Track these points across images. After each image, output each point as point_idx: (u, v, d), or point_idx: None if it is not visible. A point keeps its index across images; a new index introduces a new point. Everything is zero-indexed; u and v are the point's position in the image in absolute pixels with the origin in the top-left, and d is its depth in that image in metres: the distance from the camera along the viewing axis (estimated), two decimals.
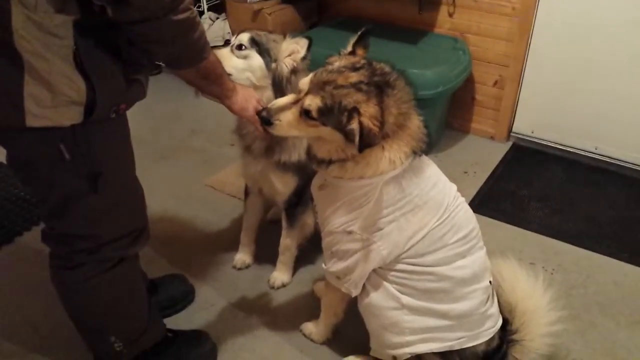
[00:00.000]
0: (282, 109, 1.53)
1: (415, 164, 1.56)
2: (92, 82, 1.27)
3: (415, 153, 1.54)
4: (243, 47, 1.87)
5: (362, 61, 1.52)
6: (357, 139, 1.40)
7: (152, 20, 1.21)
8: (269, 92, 1.87)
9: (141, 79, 1.43)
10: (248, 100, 1.71)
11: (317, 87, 1.46)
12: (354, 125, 1.40)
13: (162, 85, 3.67)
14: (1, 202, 2.70)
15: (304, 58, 1.89)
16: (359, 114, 1.39)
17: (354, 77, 1.46)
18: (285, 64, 1.87)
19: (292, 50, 1.89)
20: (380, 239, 1.59)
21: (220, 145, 3.22)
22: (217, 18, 3.76)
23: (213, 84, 1.58)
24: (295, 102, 1.52)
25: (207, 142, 3.28)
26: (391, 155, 1.51)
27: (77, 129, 1.32)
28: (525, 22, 3.00)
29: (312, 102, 1.45)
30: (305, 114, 1.48)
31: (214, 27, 3.66)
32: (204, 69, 1.47)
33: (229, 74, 1.73)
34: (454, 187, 1.70)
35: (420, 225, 1.58)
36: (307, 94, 1.48)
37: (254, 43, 1.87)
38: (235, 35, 1.93)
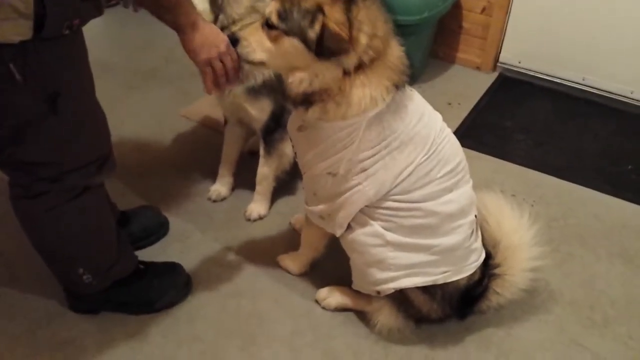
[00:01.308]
0: (247, 28, 1.48)
1: (398, 98, 1.47)
2: None
3: (397, 87, 1.45)
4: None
5: None
6: (315, 41, 1.31)
7: None
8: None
9: None
10: (209, 44, 1.52)
11: None
12: (317, 27, 1.31)
13: (135, 13, 3.52)
14: None
15: None
16: (323, 14, 1.31)
17: None
18: None
19: None
20: (365, 179, 1.53)
21: (196, 75, 3.03)
22: None
23: (167, 11, 1.43)
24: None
25: (182, 71, 3.13)
26: (372, 92, 1.42)
27: (28, 47, 1.22)
28: None
29: (272, 6, 1.38)
30: (267, 25, 1.40)
31: None
32: None
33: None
34: (439, 117, 1.62)
35: (407, 162, 1.52)
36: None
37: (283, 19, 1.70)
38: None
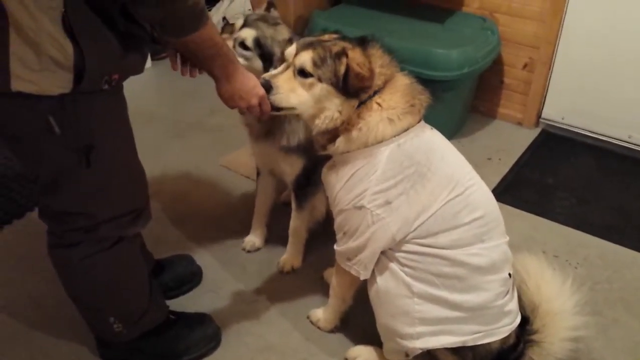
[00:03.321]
0: (276, 75, 1.57)
1: (419, 130, 1.57)
2: (81, 47, 1.21)
3: (413, 107, 1.55)
4: (246, 47, 1.78)
5: None
6: (342, 79, 1.49)
7: None
8: None
9: (138, 52, 1.36)
10: (239, 97, 1.55)
11: (305, 46, 1.55)
12: (342, 68, 1.48)
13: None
14: (14, 177, 2.68)
15: None
16: (347, 56, 1.49)
17: (335, 36, 1.60)
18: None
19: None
20: (389, 214, 1.54)
21: (238, 125, 3.14)
22: None
23: (203, 62, 1.46)
24: (287, 68, 1.58)
25: (225, 121, 3.20)
26: (389, 114, 1.54)
27: (67, 101, 1.26)
28: (558, 2, 2.84)
29: (305, 56, 1.53)
30: (300, 72, 1.53)
31: (235, 3, 3.58)
32: (194, 43, 1.36)
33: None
34: (469, 165, 1.62)
35: (430, 198, 1.53)
36: (296, 54, 1.55)
37: (258, 45, 1.78)
38: (237, 26, 1.82)
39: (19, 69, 1.19)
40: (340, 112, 1.55)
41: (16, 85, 1.20)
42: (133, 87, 1.46)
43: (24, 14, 1.14)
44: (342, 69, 1.49)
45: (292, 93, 1.55)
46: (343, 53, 1.50)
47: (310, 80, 1.52)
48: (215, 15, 3.61)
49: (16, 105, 1.26)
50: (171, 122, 3.23)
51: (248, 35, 1.78)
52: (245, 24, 1.82)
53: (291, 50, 1.58)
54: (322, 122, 1.58)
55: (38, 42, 1.17)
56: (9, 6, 1.13)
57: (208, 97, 3.39)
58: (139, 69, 1.41)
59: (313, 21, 3.08)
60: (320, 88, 1.53)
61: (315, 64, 1.51)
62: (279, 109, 1.59)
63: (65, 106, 1.27)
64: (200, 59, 1.45)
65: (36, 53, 1.18)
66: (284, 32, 1.84)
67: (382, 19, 3.03)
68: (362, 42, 1.57)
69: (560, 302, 1.65)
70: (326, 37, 1.61)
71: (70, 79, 1.23)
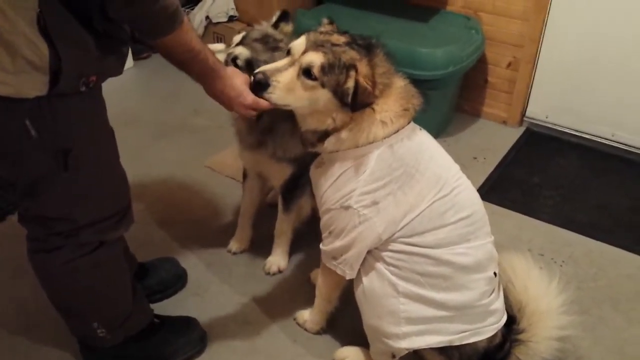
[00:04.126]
0: (279, 70, 1.48)
1: (408, 132, 1.54)
2: (57, 48, 1.18)
3: (407, 111, 1.53)
4: (237, 65, 1.71)
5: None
6: (350, 97, 1.44)
7: None
8: None
9: (117, 53, 1.34)
10: (227, 101, 1.54)
11: (315, 45, 1.47)
12: (350, 84, 1.44)
13: (166, 63, 3.57)
14: None
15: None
16: (356, 71, 1.44)
17: (343, 38, 1.51)
18: None
19: None
20: (377, 214, 1.53)
21: (222, 126, 3.12)
22: None
23: (180, 65, 1.43)
24: (291, 64, 1.49)
25: (209, 122, 3.18)
26: (382, 117, 1.51)
27: (44, 103, 1.23)
28: (542, 1, 2.85)
29: (315, 58, 1.45)
30: (306, 73, 1.46)
31: (218, 2, 3.55)
32: (168, 46, 1.34)
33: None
34: (456, 166, 1.62)
35: (418, 199, 1.52)
36: (304, 52, 1.47)
37: (249, 66, 1.69)
38: (235, 41, 1.78)
39: None
40: (334, 119, 1.52)
41: None
42: (115, 88, 1.43)
43: None
44: (351, 84, 1.44)
45: (290, 92, 1.48)
46: (352, 66, 1.44)
47: (313, 83, 1.46)
48: (199, 14, 3.58)
49: None
50: (154, 123, 3.19)
51: (241, 54, 1.72)
52: (241, 42, 1.76)
53: (298, 45, 1.50)
54: (313, 124, 1.56)
55: (12, 42, 1.14)
56: None
57: (192, 98, 3.38)
58: (117, 71, 1.39)
59: (297, 20, 3.05)
60: (321, 94, 1.47)
61: (323, 69, 1.45)
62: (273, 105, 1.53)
63: (41, 109, 1.24)
64: (176, 63, 1.42)
65: (10, 54, 1.15)
66: (275, 42, 1.78)
67: (366, 18, 3.01)
68: (368, 48, 1.50)
69: (546, 301, 1.66)
70: (330, 31, 1.54)
71: (46, 81, 1.20)
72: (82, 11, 1.20)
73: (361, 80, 1.43)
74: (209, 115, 3.20)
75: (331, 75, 1.45)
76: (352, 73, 1.44)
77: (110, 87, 1.42)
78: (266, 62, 1.67)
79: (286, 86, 1.47)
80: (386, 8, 3.10)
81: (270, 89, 1.48)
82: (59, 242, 1.48)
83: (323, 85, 1.46)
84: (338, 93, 1.46)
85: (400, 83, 1.56)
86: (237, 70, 1.56)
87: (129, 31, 1.36)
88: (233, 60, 1.72)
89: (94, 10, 1.22)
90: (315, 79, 1.45)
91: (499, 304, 1.64)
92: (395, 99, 1.53)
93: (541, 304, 1.65)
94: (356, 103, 1.45)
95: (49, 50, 1.17)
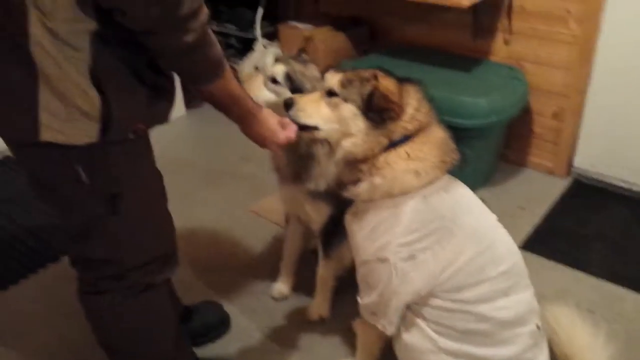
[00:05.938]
0: (303, 95, 1.64)
1: (444, 183, 1.53)
2: (107, 97, 1.23)
3: (444, 163, 1.52)
4: (277, 82, 1.83)
5: None
6: (365, 99, 1.48)
7: (157, 34, 1.18)
8: None
9: (164, 102, 1.40)
10: (261, 140, 1.60)
11: (337, 70, 1.60)
12: (367, 89, 1.48)
13: (217, 112, 3.69)
14: (49, 220, 2.75)
15: None
16: (376, 78, 1.49)
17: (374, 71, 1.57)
18: None
19: None
20: (414, 269, 1.51)
21: (269, 172, 3.18)
22: (269, 45, 3.79)
23: (220, 109, 1.48)
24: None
25: (256, 168, 3.25)
26: (417, 166, 1.50)
27: (95, 150, 1.28)
28: (586, 50, 2.85)
29: (334, 77, 1.55)
30: (328, 93, 1.55)
31: (267, 55, 3.68)
32: (210, 92, 1.40)
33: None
34: (493, 216, 1.60)
35: (456, 253, 1.49)
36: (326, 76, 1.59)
37: (288, 79, 1.83)
38: (272, 60, 1.89)
39: (48, 119, 1.21)
40: (364, 140, 1.50)
41: (45, 135, 1.22)
42: (168, 136, 1.50)
43: (51, 64, 1.17)
44: (368, 89, 1.48)
45: (315, 110, 1.56)
46: (373, 77, 1.50)
47: (335, 99, 1.53)
48: (248, 65, 3.72)
49: (46, 155, 1.28)
50: (203, 170, 3.28)
51: (278, 70, 1.84)
52: (275, 61, 1.89)
53: (326, 75, 1.61)
54: (346, 147, 1.54)
55: (65, 92, 1.19)
56: (36, 56, 1.16)
57: (240, 145, 3.46)
58: (165, 119, 1.44)
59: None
60: (345, 108, 1.51)
61: (342, 84, 1.52)
62: (303, 127, 1.59)
63: (92, 155, 1.29)
64: (216, 107, 1.48)
65: (63, 103, 1.20)
66: (313, 70, 1.90)
67: (410, 68, 3.06)
68: (402, 79, 1.55)
69: (592, 354, 1.60)
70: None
71: (98, 128, 1.24)
72: (132, 62, 1.26)
73: (381, 85, 1.47)
74: (256, 162, 3.27)
75: (351, 87, 1.51)
76: (372, 81, 1.49)
77: (163, 135, 1.48)
78: (302, 73, 1.84)
79: (311, 105, 1.57)
80: (430, 58, 3.15)
81: (294, 107, 1.58)
82: (108, 285, 1.52)
83: (346, 100, 1.51)
84: (362, 107, 1.49)
85: (440, 134, 1.55)
86: (271, 112, 1.63)
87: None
88: (272, 80, 1.83)
89: (142, 62, 1.28)
90: (336, 94, 1.53)
91: (543, 357, 1.60)
92: (432, 147, 1.52)
93: (587, 356, 1.60)
94: (371, 105, 1.47)
95: (100, 100, 1.22)
